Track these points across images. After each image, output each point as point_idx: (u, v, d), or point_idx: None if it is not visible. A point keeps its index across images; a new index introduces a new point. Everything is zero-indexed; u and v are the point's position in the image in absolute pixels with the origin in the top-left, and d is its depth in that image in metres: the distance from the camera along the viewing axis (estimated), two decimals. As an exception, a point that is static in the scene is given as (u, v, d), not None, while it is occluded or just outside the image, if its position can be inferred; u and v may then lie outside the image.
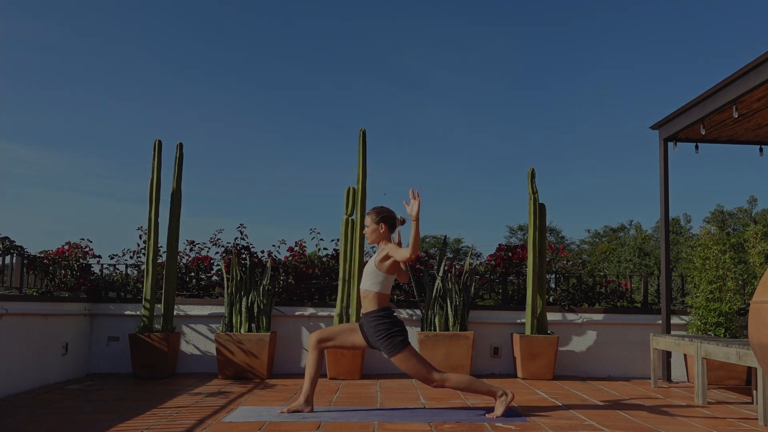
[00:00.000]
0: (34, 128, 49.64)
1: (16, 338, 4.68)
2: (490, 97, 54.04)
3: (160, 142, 5.92)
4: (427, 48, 52.92)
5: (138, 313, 5.94)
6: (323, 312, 6.07)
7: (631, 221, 39.69)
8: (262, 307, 5.66)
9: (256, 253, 6.30)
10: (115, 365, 5.89)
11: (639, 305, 6.54)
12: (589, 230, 42.49)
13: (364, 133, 5.97)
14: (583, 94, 51.68)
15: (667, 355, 5.72)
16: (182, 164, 5.97)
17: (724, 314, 5.57)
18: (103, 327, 5.94)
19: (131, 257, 6.35)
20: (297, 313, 6.07)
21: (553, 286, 6.65)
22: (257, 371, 5.49)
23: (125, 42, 48.55)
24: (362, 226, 5.69)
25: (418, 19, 50.23)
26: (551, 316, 6.15)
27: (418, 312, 6.15)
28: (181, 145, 5.99)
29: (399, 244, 3.96)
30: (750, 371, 5.48)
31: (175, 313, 5.93)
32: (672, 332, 5.86)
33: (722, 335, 5.53)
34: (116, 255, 6.36)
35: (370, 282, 3.86)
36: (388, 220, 3.97)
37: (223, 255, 6.27)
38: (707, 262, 5.77)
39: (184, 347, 5.98)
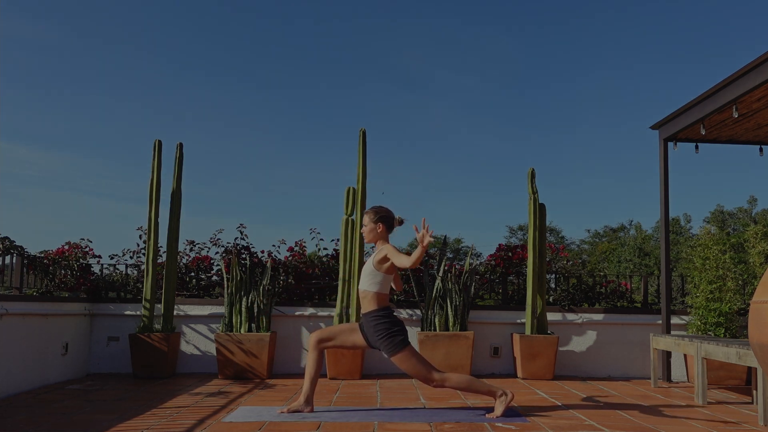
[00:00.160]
0: (34, 128, 49.70)
1: (16, 338, 4.68)
2: (490, 97, 54.10)
3: (160, 142, 5.92)
4: (427, 48, 52.98)
5: (138, 313, 5.94)
6: (323, 312, 6.07)
7: (631, 221, 39.73)
8: (262, 307, 5.66)
9: (256, 253, 6.30)
10: (115, 365, 5.89)
11: (639, 305, 6.54)
12: (589, 230, 42.54)
13: (364, 133, 5.97)
14: (583, 94, 51.74)
15: (667, 355, 5.72)
16: (182, 164, 5.97)
17: (724, 314, 5.57)
18: (103, 327, 5.94)
19: (131, 257, 6.35)
20: (297, 313, 6.07)
21: (553, 286, 6.65)
22: (257, 371, 5.49)
23: (125, 42, 48.60)
24: (362, 226, 5.68)
25: (418, 19, 50.29)
26: (551, 316, 6.15)
27: (418, 312, 6.15)
28: (181, 145, 5.99)
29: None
30: (750, 371, 5.48)
31: (175, 313, 5.93)
32: (672, 332, 5.86)
33: (722, 335, 5.53)
34: (116, 255, 6.36)
35: (369, 282, 3.85)
36: (387, 220, 3.96)
37: (223, 255, 6.27)
38: (707, 262, 5.76)
39: (184, 347, 5.98)
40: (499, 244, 6.51)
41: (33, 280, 5.61)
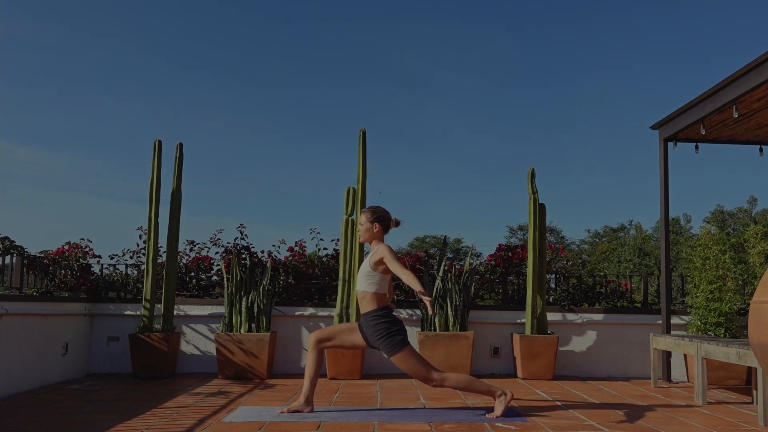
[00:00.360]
0: (34, 128, 49.70)
1: (16, 338, 4.68)
2: (490, 97, 54.10)
3: (160, 142, 5.92)
4: (427, 48, 52.98)
5: (138, 313, 5.94)
6: (323, 312, 6.07)
7: (631, 221, 39.71)
8: (262, 307, 5.66)
9: (256, 253, 6.30)
10: (115, 365, 5.89)
11: (639, 305, 6.54)
12: (589, 230, 42.53)
13: (364, 133, 5.97)
14: (583, 94, 51.73)
15: (667, 355, 5.72)
16: (182, 164, 5.97)
17: (724, 314, 5.57)
18: (103, 327, 5.94)
19: (131, 257, 6.35)
20: (297, 313, 6.07)
21: (553, 286, 6.65)
22: (257, 371, 5.49)
23: (125, 42, 48.61)
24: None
25: (418, 19, 50.31)
26: (551, 316, 6.15)
27: (418, 312, 6.15)
28: (181, 145, 5.99)
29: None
30: (750, 371, 5.48)
31: (175, 313, 5.93)
32: (672, 332, 5.86)
33: (722, 335, 5.53)
34: (116, 255, 6.36)
35: (367, 283, 3.86)
36: (383, 220, 3.98)
37: (223, 255, 6.27)
38: (707, 262, 5.76)
39: (184, 347, 5.98)
40: (499, 244, 6.51)
41: (33, 280, 5.61)
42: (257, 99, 54.16)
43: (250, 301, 5.68)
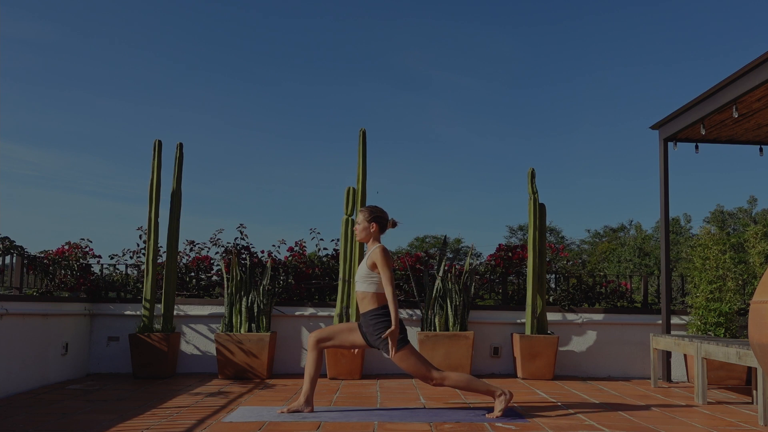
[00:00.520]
0: (34, 128, 49.66)
1: (16, 338, 4.68)
2: (490, 97, 54.06)
3: (160, 142, 5.92)
4: (427, 48, 52.94)
5: (138, 313, 5.94)
6: (323, 312, 6.07)
7: (631, 221, 39.68)
8: (262, 307, 5.67)
9: (256, 253, 6.30)
10: (115, 365, 5.89)
11: (639, 305, 6.54)
12: (589, 230, 42.49)
13: (364, 133, 5.97)
14: (583, 94, 51.70)
15: (667, 355, 5.72)
16: (182, 164, 5.97)
17: (724, 314, 5.57)
18: (103, 327, 5.94)
19: (131, 257, 6.35)
20: (297, 313, 6.07)
21: (553, 286, 6.65)
22: (257, 371, 5.49)
23: (125, 42, 48.59)
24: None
25: (418, 19, 50.27)
26: (551, 316, 6.15)
27: (418, 312, 6.15)
28: (181, 145, 5.99)
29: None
30: (750, 371, 5.48)
31: (175, 313, 5.93)
32: (672, 332, 5.87)
33: (722, 335, 5.54)
34: (116, 255, 6.36)
35: (366, 284, 3.87)
36: (380, 220, 3.99)
37: (223, 255, 6.28)
38: (707, 262, 5.77)
39: (184, 347, 5.98)
40: (499, 244, 6.51)
41: (33, 280, 5.61)
42: (257, 99, 54.20)
43: (250, 301, 5.68)
